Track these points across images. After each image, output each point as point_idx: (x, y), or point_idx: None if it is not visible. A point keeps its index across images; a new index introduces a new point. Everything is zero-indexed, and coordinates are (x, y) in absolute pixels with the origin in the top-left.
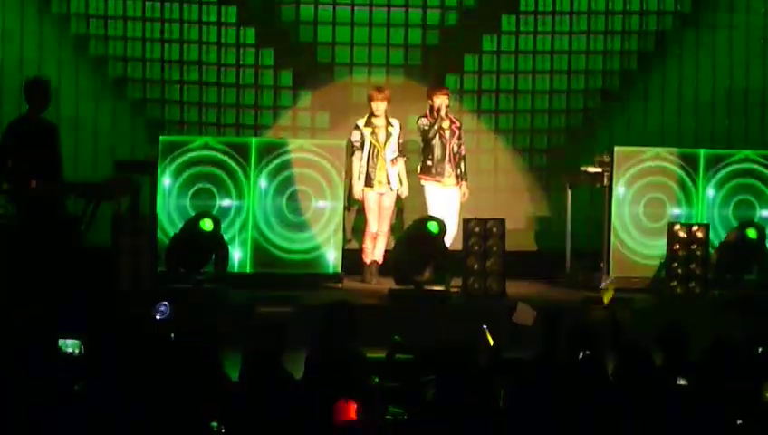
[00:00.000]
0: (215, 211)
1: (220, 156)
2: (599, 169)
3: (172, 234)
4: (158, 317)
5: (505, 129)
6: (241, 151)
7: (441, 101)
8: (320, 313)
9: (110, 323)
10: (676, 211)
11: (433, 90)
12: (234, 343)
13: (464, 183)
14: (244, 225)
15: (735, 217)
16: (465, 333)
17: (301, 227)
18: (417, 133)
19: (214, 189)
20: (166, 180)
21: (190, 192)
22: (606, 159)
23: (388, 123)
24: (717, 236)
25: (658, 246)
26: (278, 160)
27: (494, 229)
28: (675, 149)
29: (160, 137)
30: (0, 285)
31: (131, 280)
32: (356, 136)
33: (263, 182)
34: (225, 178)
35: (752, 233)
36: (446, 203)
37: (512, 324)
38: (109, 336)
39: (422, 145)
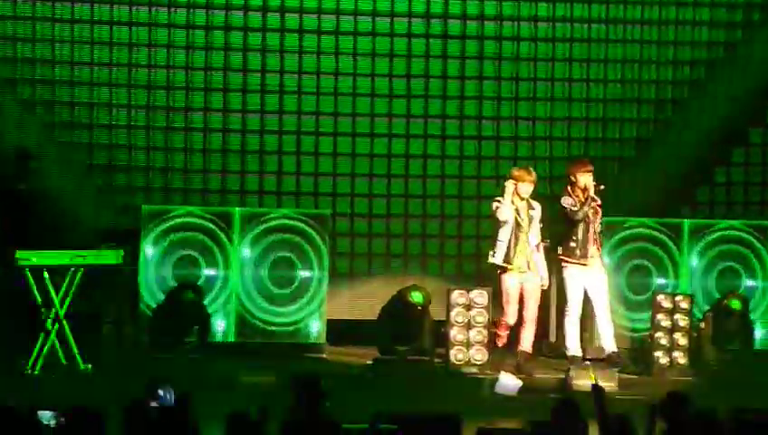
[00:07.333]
0: (200, 281)
1: (205, 223)
2: None
3: (154, 304)
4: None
5: None
6: (225, 220)
7: (587, 179)
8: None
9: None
10: (661, 281)
11: (576, 165)
12: (217, 412)
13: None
14: (229, 295)
15: (718, 288)
16: (448, 402)
17: (284, 298)
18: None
19: (198, 257)
20: (148, 249)
21: (173, 260)
22: None
23: (530, 206)
24: (698, 306)
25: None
26: (262, 228)
27: (479, 299)
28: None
29: (142, 206)
30: None
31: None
32: (505, 212)
33: (246, 251)
34: (211, 245)
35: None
36: (588, 285)
37: (495, 395)
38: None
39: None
